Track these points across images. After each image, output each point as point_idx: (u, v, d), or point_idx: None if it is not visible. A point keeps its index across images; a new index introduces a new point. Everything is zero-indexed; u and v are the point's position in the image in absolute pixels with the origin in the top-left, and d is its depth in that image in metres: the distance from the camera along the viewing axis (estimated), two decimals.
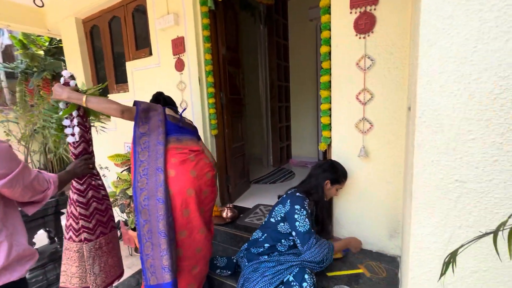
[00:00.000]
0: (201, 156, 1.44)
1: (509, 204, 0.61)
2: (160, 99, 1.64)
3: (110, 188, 2.49)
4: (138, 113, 1.34)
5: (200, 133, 2.34)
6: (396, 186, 1.65)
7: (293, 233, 1.48)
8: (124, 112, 1.29)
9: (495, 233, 0.37)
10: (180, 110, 1.64)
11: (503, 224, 0.39)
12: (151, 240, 1.26)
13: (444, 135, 0.64)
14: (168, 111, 1.47)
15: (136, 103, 1.38)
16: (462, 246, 0.44)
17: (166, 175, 1.29)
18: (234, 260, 1.76)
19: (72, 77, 1.33)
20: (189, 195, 1.32)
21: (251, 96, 4.30)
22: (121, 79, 2.99)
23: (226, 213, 2.26)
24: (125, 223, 2.46)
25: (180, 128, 1.44)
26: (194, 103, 2.30)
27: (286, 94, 4.16)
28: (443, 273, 0.44)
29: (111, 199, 2.23)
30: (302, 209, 1.47)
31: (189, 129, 1.52)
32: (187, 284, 1.38)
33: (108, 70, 3.12)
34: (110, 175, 2.54)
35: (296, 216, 1.46)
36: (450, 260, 0.42)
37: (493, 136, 0.60)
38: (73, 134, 1.33)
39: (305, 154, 4.22)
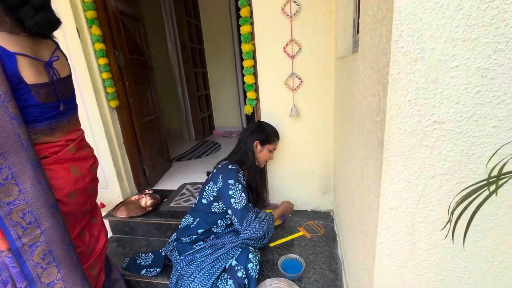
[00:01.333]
0: (81, 144, 0.98)
1: (486, 143, 0.53)
2: None
3: None
4: None
5: (94, 107, 1.77)
6: (326, 143, 1.63)
7: (229, 212, 1.29)
8: None
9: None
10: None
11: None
12: None
13: (424, 63, 0.50)
14: (25, 68, 0.78)
15: None
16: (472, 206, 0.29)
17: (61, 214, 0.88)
18: (163, 254, 1.46)
19: None
20: (71, 200, 0.90)
21: (160, 60, 3.65)
22: None
23: (145, 201, 1.87)
24: None
25: (57, 112, 0.89)
26: (76, 66, 1.67)
27: (201, 59, 3.71)
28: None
29: None
30: (237, 183, 1.28)
31: (68, 99, 0.96)
32: None
33: None
34: None
35: (230, 192, 1.27)
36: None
37: (478, 60, 0.48)
38: None
39: (228, 123, 4.00)
